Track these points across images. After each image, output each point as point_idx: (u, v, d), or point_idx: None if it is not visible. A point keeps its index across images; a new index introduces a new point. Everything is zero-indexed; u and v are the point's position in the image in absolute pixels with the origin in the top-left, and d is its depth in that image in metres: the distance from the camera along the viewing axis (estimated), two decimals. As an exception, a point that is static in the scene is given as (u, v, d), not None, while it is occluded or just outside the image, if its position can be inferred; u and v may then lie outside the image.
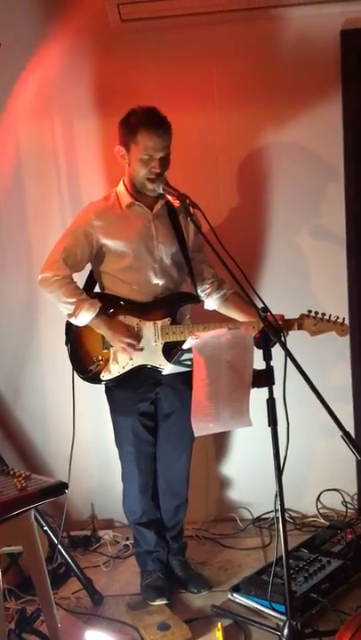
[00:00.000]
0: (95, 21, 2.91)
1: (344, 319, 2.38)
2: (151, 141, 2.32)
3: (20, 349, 3.22)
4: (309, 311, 2.37)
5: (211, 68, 2.98)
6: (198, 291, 2.61)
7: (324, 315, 2.36)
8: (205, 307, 2.65)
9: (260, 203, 3.06)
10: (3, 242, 3.16)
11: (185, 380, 2.13)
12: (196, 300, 2.55)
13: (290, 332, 2.33)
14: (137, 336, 2.42)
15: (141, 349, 2.42)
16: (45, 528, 2.63)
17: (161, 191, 2.36)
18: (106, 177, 3.01)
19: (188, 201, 2.25)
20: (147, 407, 2.52)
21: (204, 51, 2.96)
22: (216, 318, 2.58)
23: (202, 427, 1.97)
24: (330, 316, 2.37)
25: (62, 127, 3.05)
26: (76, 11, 2.94)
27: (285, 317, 2.36)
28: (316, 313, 2.36)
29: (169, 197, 2.40)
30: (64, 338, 2.55)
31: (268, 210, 3.07)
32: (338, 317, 2.37)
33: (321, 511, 3.15)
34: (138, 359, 2.43)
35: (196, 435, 2.00)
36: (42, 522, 2.60)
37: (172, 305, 2.47)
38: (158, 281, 2.47)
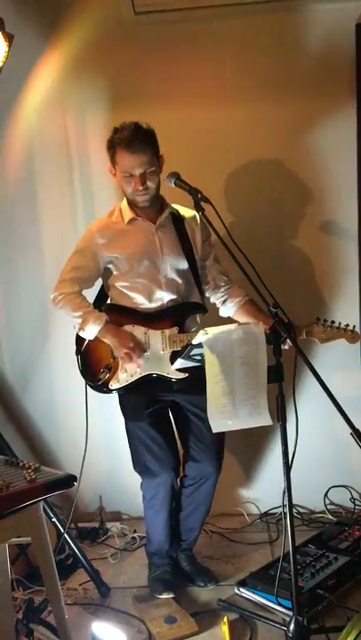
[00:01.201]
0: (109, 14, 2.90)
1: (354, 327, 2.34)
2: (126, 160, 2.34)
3: (32, 346, 3.24)
4: (318, 318, 2.33)
5: (224, 61, 2.96)
6: (212, 298, 2.62)
7: (333, 322, 2.33)
8: (220, 314, 2.64)
9: (271, 199, 3.04)
10: (16, 236, 3.16)
11: (201, 384, 2.10)
12: (203, 310, 2.55)
13: (298, 339, 2.31)
14: (141, 345, 2.43)
15: (145, 356, 2.42)
16: (54, 519, 2.65)
17: (173, 186, 2.35)
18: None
19: (199, 195, 2.24)
20: (160, 412, 2.50)
21: (218, 44, 2.94)
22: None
23: (219, 423, 1.96)
24: (339, 323, 2.33)
25: (75, 120, 3.04)
26: (89, 3, 2.92)
27: (296, 320, 2.32)
28: (325, 320, 2.33)
29: (173, 208, 2.43)
30: (74, 341, 2.56)
31: (280, 206, 3.05)
32: (348, 325, 2.33)
33: (329, 507, 3.15)
34: (146, 368, 2.44)
35: (213, 431, 1.99)
36: (50, 513, 2.62)
37: (180, 314, 2.48)
38: (164, 293, 2.47)
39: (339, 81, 2.94)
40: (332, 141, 2.99)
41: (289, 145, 3.00)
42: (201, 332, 1.96)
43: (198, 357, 2.06)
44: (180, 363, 2.16)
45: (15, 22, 2.77)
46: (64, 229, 3.07)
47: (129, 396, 2.52)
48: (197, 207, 2.24)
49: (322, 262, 3.08)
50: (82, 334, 2.47)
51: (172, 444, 2.52)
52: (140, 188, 2.37)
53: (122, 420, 3.10)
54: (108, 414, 3.11)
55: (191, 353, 2.05)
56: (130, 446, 2.57)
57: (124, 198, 2.51)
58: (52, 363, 3.23)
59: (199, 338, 1.96)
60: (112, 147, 2.39)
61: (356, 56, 2.91)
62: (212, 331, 1.96)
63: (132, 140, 2.33)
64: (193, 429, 2.53)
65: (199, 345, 1.98)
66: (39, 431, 3.28)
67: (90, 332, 2.43)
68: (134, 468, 2.58)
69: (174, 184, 2.35)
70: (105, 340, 2.45)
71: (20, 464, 2.01)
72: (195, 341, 1.99)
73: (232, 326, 1.98)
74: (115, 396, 2.97)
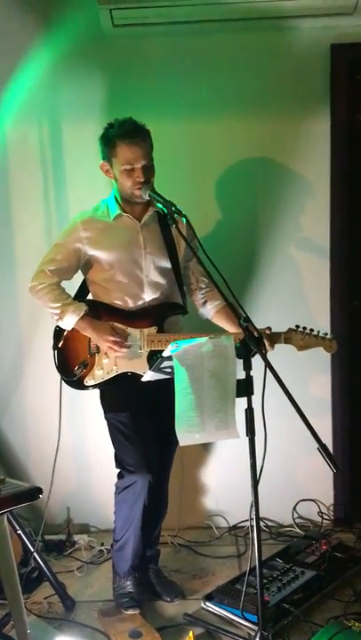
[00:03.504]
0: (88, 25, 2.90)
1: (333, 336, 2.38)
2: (130, 152, 2.34)
3: (2, 359, 3.20)
4: (297, 326, 2.36)
5: (201, 77, 2.98)
6: (193, 299, 2.62)
7: (312, 330, 2.36)
8: (200, 315, 2.64)
9: (246, 214, 3.07)
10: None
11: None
12: (183, 311, 2.55)
13: (275, 346, 2.34)
14: (124, 335, 2.42)
15: (129, 347, 2.41)
16: (19, 532, 2.61)
17: (147, 197, 2.36)
18: (93, 182, 2.98)
19: (173, 208, 2.25)
20: (139, 406, 2.44)
21: (195, 60, 2.97)
22: (209, 327, 2.59)
23: (187, 436, 1.96)
24: (318, 332, 2.36)
25: (50, 129, 3.03)
26: (68, 14, 2.93)
27: (272, 330, 2.36)
28: (305, 328, 2.36)
29: (159, 205, 2.39)
30: (52, 336, 2.55)
31: (255, 222, 3.08)
32: (326, 334, 2.37)
33: (297, 521, 3.16)
34: (122, 366, 2.43)
35: (180, 444, 1.98)
36: (15, 525, 2.58)
37: (160, 314, 2.48)
38: (146, 292, 2.47)
39: (314, 99, 2.99)
40: (306, 158, 3.03)
41: (263, 161, 3.04)
42: (171, 344, 1.96)
43: (168, 370, 2.05)
44: (149, 375, 2.15)
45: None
46: (38, 241, 3.05)
47: (110, 388, 2.48)
48: (171, 220, 2.24)
49: (295, 277, 3.11)
50: (60, 324, 2.45)
51: (151, 441, 2.47)
52: (142, 179, 2.35)
53: (92, 431, 3.11)
54: (78, 425, 3.10)
55: (161, 365, 2.05)
56: (111, 441, 2.53)
57: (111, 194, 2.50)
58: (24, 373, 3.19)
59: (169, 350, 1.96)
60: (110, 141, 2.37)
61: (330, 75, 2.97)
62: (183, 343, 1.96)
63: (135, 132, 2.35)
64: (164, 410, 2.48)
65: (169, 357, 1.97)
66: (7, 441, 3.23)
67: (68, 322, 2.42)
68: (115, 464, 2.53)
69: (148, 196, 2.36)
70: (85, 333, 2.44)
71: (-15, 475, 1.98)
72: (165, 354, 1.98)
73: (202, 339, 1.98)
74: (87, 407, 2.96)
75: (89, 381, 2.47)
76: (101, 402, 2.55)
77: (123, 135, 2.34)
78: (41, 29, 2.94)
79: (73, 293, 2.55)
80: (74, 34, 2.92)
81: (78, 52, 2.95)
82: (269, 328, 2.36)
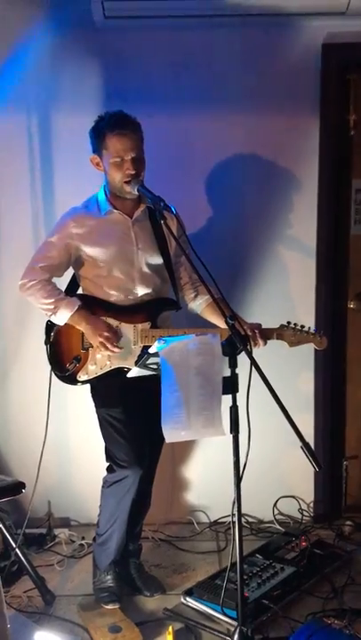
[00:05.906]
0: (80, 16, 2.87)
1: (322, 332, 2.43)
2: (120, 143, 2.33)
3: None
4: (289, 322, 2.41)
5: (191, 73, 2.96)
6: (183, 294, 2.61)
7: (303, 327, 2.41)
8: (190, 310, 2.63)
9: (234, 211, 3.06)
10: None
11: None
12: (177, 306, 2.54)
13: (268, 342, 2.37)
14: (117, 333, 2.41)
15: (120, 348, 2.40)
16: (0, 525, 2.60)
17: (136, 192, 2.35)
18: (81, 176, 2.95)
19: (162, 204, 2.25)
20: (132, 401, 2.43)
21: (185, 55, 2.95)
22: (199, 323, 2.58)
23: (173, 433, 1.96)
24: (309, 328, 2.42)
25: (39, 121, 3.00)
26: (61, 4, 2.89)
27: (262, 327, 2.39)
28: (295, 325, 2.40)
29: (149, 202, 2.38)
30: (44, 331, 2.53)
31: (242, 219, 3.08)
32: (317, 330, 2.42)
33: (277, 517, 3.18)
34: (116, 361, 2.42)
35: (167, 441, 1.98)
36: (-4, 519, 2.57)
37: (153, 310, 2.47)
38: (138, 288, 2.46)
39: (304, 98, 2.99)
40: (295, 157, 3.03)
41: (252, 158, 3.03)
42: (157, 340, 1.96)
43: (154, 366, 2.05)
44: (135, 371, 2.14)
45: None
46: (24, 236, 3.02)
47: (102, 382, 2.47)
48: (159, 215, 2.24)
49: (281, 274, 3.12)
50: (53, 319, 2.44)
51: (143, 436, 2.46)
52: (133, 172, 2.33)
53: (74, 425, 3.10)
54: (60, 419, 3.08)
55: (147, 362, 2.04)
56: (102, 436, 2.52)
57: (101, 190, 2.48)
58: (8, 368, 3.16)
59: (156, 347, 1.95)
60: (100, 133, 2.36)
61: (321, 75, 2.97)
62: (169, 340, 1.96)
63: (124, 123, 2.34)
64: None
65: (155, 354, 1.97)
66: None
67: (61, 317, 2.40)
68: (105, 458, 2.52)
69: (137, 191, 2.35)
70: (78, 327, 2.42)
71: (-33, 469, 1.96)
72: (151, 350, 1.98)
73: (189, 336, 1.98)
74: (69, 401, 2.95)
75: (82, 376, 2.45)
76: (93, 397, 2.54)
77: (112, 127, 2.33)
78: (33, 19, 2.89)
79: (63, 289, 2.52)
80: (66, 24, 2.89)
81: (70, 42, 2.92)
82: (259, 324, 2.39)
